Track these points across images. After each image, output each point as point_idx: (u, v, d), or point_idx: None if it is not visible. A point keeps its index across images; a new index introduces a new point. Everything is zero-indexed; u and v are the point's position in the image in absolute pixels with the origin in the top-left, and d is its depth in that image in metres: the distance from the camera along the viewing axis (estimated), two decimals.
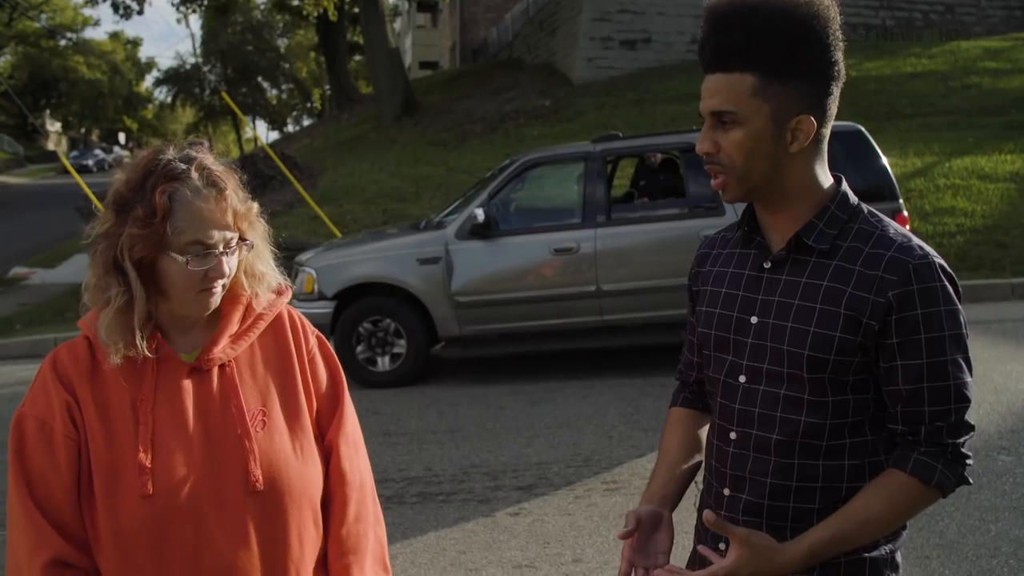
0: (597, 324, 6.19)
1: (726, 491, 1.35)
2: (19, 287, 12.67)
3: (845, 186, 1.32)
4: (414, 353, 6.25)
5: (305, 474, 1.38)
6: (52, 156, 45.05)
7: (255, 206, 1.38)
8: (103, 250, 1.30)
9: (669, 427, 1.53)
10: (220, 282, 1.33)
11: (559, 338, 6.25)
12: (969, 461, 1.27)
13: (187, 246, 1.28)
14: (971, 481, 1.29)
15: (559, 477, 4.31)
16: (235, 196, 1.32)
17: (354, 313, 6.20)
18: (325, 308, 6.11)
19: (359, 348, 6.21)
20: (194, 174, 1.29)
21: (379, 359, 6.26)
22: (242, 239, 1.35)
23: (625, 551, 1.32)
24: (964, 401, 1.24)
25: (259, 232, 1.40)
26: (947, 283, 1.23)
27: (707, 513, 1.22)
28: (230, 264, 1.33)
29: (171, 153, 1.31)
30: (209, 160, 1.33)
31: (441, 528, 3.81)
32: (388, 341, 6.26)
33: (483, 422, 5.31)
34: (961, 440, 1.25)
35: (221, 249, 1.31)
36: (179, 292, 1.32)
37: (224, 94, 13.89)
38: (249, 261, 1.39)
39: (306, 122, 54.79)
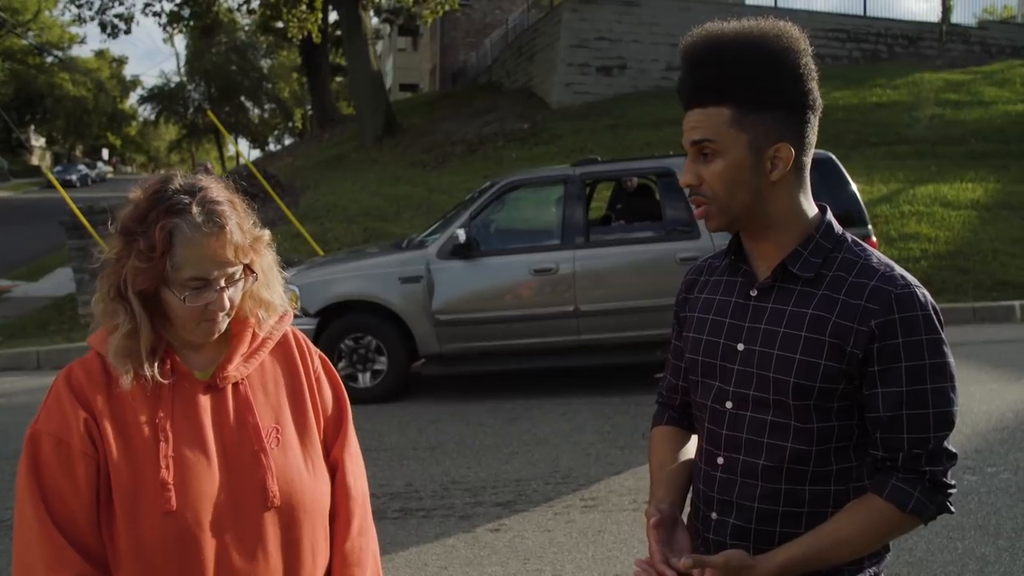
0: (575, 343, 6.28)
1: (713, 515, 1.36)
2: (1, 300, 12.58)
3: (830, 216, 1.34)
4: (395, 370, 6.30)
5: (317, 489, 1.41)
6: (36, 170, 44.76)
7: (265, 234, 1.39)
8: (109, 276, 1.32)
9: (659, 442, 1.53)
10: (222, 314, 1.34)
11: (537, 356, 6.33)
12: (951, 490, 1.27)
13: (187, 281, 1.29)
14: (953, 510, 1.29)
15: (538, 494, 4.36)
16: (237, 231, 1.31)
17: (336, 330, 6.25)
18: (308, 325, 6.15)
19: (341, 364, 6.25)
20: (195, 209, 1.28)
21: (360, 375, 6.31)
22: (249, 269, 1.36)
23: (653, 544, 1.32)
24: (944, 429, 1.25)
25: (266, 261, 1.41)
26: (930, 312, 1.24)
27: (684, 559, 1.23)
28: (232, 296, 1.34)
29: (177, 182, 1.32)
30: (213, 192, 1.33)
31: (422, 544, 3.84)
32: (369, 358, 6.32)
33: (463, 439, 5.36)
34: (940, 468, 1.25)
35: (222, 284, 1.31)
36: (181, 321, 1.33)
37: (209, 112, 13.91)
38: (254, 290, 1.40)
39: (287, 141, 54.84)
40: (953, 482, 1.28)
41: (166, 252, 1.27)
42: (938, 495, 1.26)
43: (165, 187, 1.31)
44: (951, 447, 1.27)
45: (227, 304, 1.33)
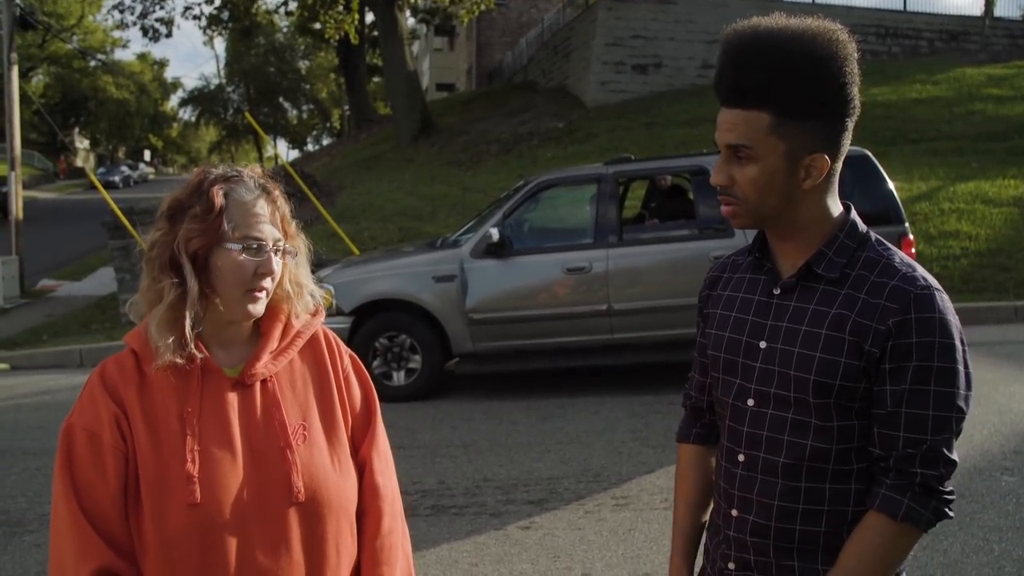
0: (608, 342, 6.28)
1: (734, 512, 1.36)
2: (46, 299, 12.99)
3: (854, 214, 1.33)
4: (429, 368, 6.36)
5: (343, 486, 1.42)
6: (80, 172, 45.80)
7: (295, 222, 1.45)
8: (158, 253, 1.34)
9: (685, 469, 1.53)
10: (267, 281, 1.37)
11: (570, 355, 6.34)
12: (948, 496, 1.24)
13: (241, 239, 1.34)
14: (951, 515, 1.26)
15: (569, 492, 4.38)
16: (282, 200, 1.41)
17: (371, 328, 6.33)
18: (343, 324, 6.23)
19: (375, 363, 6.33)
20: (246, 176, 1.39)
21: (395, 374, 6.38)
22: (287, 248, 1.42)
23: None
24: (942, 433, 1.22)
25: (301, 245, 1.46)
26: (947, 317, 1.22)
27: None
28: (278, 264, 1.38)
29: (222, 168, 1.41)
30: (258, 170, 1.43)
31: (453, 540, 3.88)
32: (403, 356, 6.39)
33: (495, 437, 5.40)
34: (934, 473, 1.22)
35: (271, 246, 1.36)
36: (229, 288, 1.35)
37: (247, 114, 14.16)
38: (293, 270, 1.44)
39: (325, 141, 55.44)
40: (950, 489, 1.25)
41: (223, 211, 1.33)
42: (931, 500, 1.23)
43: (210, 169, 1.40)
44: (951, 455, 1.23)
45: (274, 267, 1.36)
